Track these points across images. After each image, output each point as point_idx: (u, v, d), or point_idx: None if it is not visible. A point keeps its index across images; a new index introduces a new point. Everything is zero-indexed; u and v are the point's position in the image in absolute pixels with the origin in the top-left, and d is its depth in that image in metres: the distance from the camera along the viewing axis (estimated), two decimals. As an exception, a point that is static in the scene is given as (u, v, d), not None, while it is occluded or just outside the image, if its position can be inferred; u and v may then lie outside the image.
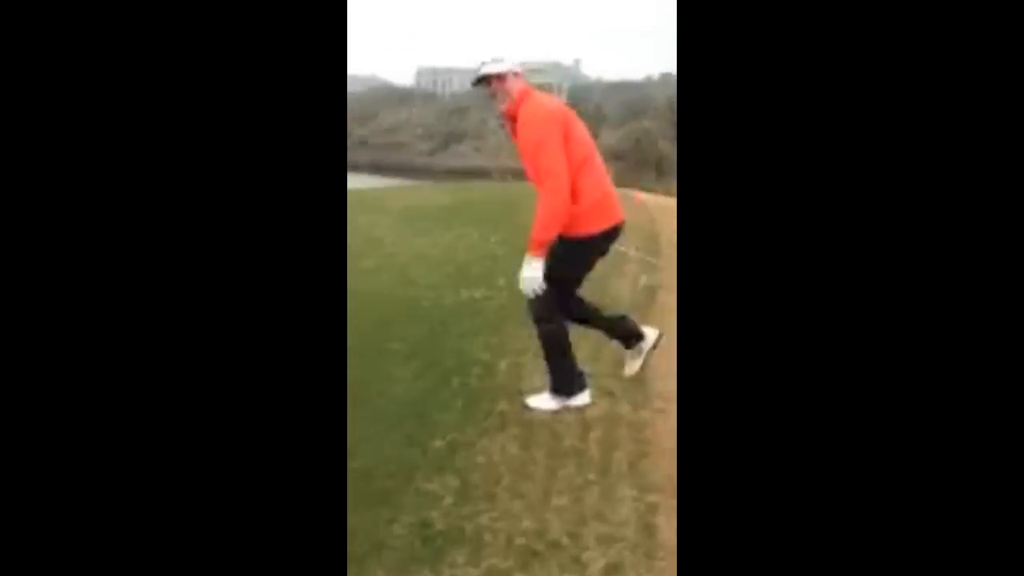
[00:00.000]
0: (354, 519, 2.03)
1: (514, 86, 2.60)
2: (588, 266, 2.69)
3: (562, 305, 2.66)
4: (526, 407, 2.68)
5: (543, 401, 2.70)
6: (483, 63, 2.62)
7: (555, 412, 2.65)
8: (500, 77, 2.58)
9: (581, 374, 2.74)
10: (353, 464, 2.35)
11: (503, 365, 3.14)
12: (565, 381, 2.68)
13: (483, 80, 2.62)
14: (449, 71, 63.47)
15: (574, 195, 2.51)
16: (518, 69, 2.62)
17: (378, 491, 2.18)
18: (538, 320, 2.65)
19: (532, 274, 2.51)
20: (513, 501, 2.08)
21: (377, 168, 33.70)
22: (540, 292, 2.53)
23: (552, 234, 2.49)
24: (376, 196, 9.54)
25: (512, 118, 2.61)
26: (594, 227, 2.58)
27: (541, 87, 2.89)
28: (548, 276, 2.55)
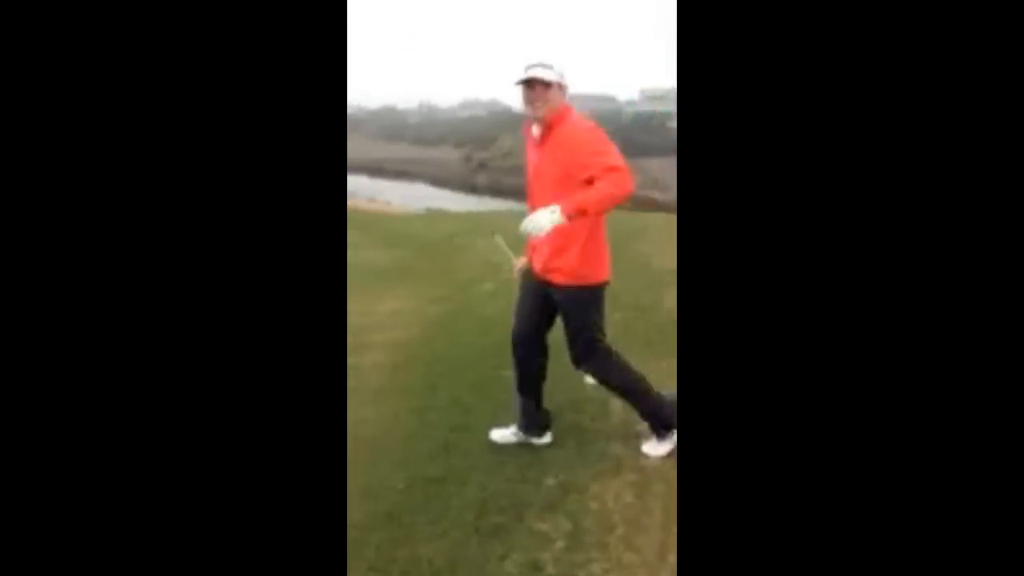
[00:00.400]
0: (465, 551, 2.03)
1: (558, 97, 2.52)
2: (603, 313, 2.68)
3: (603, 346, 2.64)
4: (643, 455, 2.61)
5: (655, 448, 2.62)
6: (532, 65, 2.51)
7: (670, 456, 2.57)
8: (547, 84, 2.48)
9: (669, 401, 2.66)
10: (465, 493, 2.36)
11: (616, 405, 3.08)
12: (659, 416, 2.64)
13: (529, 82, 2.50)
14: (571, 98, 63.68)
15: (600, 238, 2.58)
16: (565, 82, 2.55)
17: (490, 525, 2.17)
18: (595, 366, 2.63)
19: (546, 223, 2.30)
20: (627, 553, 2.01)
21: (496, 190, 34.38)
22: (542, 236, 2.39)
23: (600, 212, 2.42)
24: (495, 220, 9.69)
25: (549, 126, 2.52)
26: (606, 273, 2.64)
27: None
28: (580, 326, 2.57)
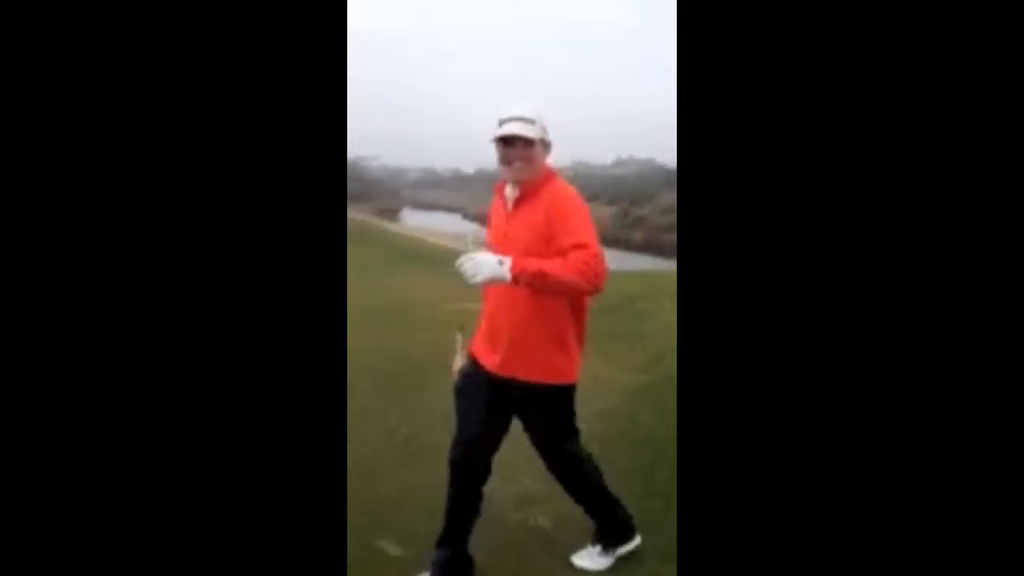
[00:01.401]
0: None
1: (540, 157, 2.11)
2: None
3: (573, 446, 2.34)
4: (571, 567, 2.46)
5: (593, 559, 2.46)
6: (511, 118, 2.06)
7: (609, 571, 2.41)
8: (529, 142, 2.07)
9: (627, 515, 2.44)
10: None
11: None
12: (613, 527, 2.41)
13: (507, 140, 2.07)
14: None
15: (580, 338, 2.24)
16: (549, 139, 2.14)
17: None
18: (564, 463, 2.33)
19: (486, 271, 1.88)
20: None
21: (654, 247, 33.93)
22: (476, 283, 1.92)
23: (556, 289, 1.95)
24: (654, 280, 9.30)
25: (528, 191, 2.10)
26: (576, 373, 2.27)
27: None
28: (550, 431, 2.25)
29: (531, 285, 1.88)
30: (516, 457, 3.61)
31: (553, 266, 1.87)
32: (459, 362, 2.34)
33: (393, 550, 2.55)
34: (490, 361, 2.20)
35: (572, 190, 2.12)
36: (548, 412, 2.24)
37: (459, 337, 2.38)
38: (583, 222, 2.00)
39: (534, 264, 1.87)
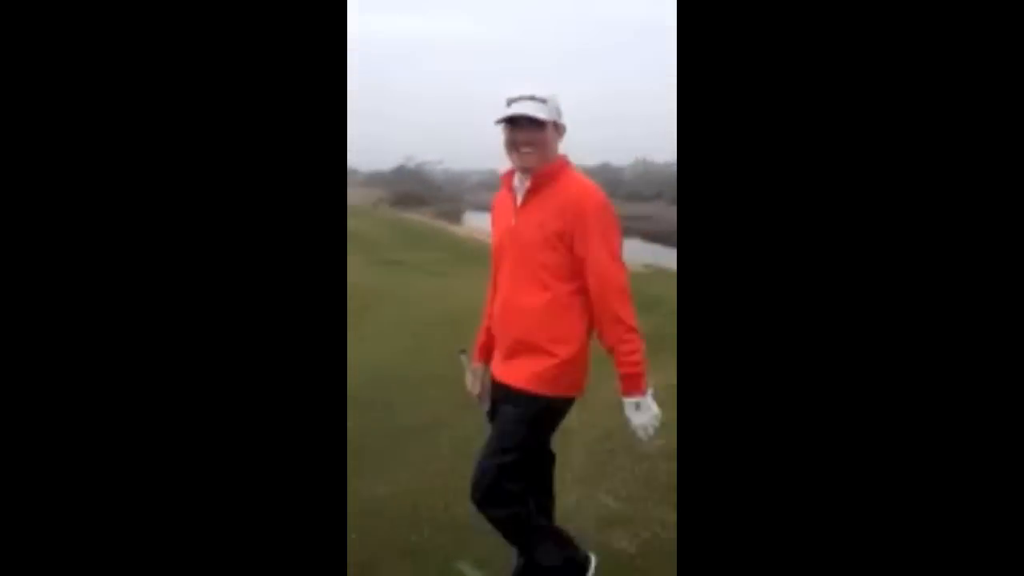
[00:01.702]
0: None
1: (552, 143, 1.90)
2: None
3: (531, 478, 2.02)
4: None
5: None
6: (519, 98, 1.85)
7: None
8: (539, 124, 1.85)
9: (584, 555, 2.11)
10: None
11: None
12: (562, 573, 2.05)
13: (514, 121, 1.85)
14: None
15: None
16: (563, 122, 1.93)
17: None
18: (497, 503, 1.95)
19: (649, 416, 1.92)
20: None
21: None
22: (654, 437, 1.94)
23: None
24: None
25: (538, 182, 1.90)
26: (582, 385, 2.04)
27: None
28: (517, 444, 1.94)
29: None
30: (596, 475, 3.45)
31: (632, 360, 1.89)
32: (472, 384, 2.19)
33: (473, 573, 2.43)
34: (496, 372, 2.09)
35: (593, 185, 1.93)
36: (536, 421, 2.02)
37: (463, 358, 2.25)
38: (609, 235, 1.87)
39: (635, 378, 1.89)
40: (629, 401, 1.92)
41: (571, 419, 2.18)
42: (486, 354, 2.18)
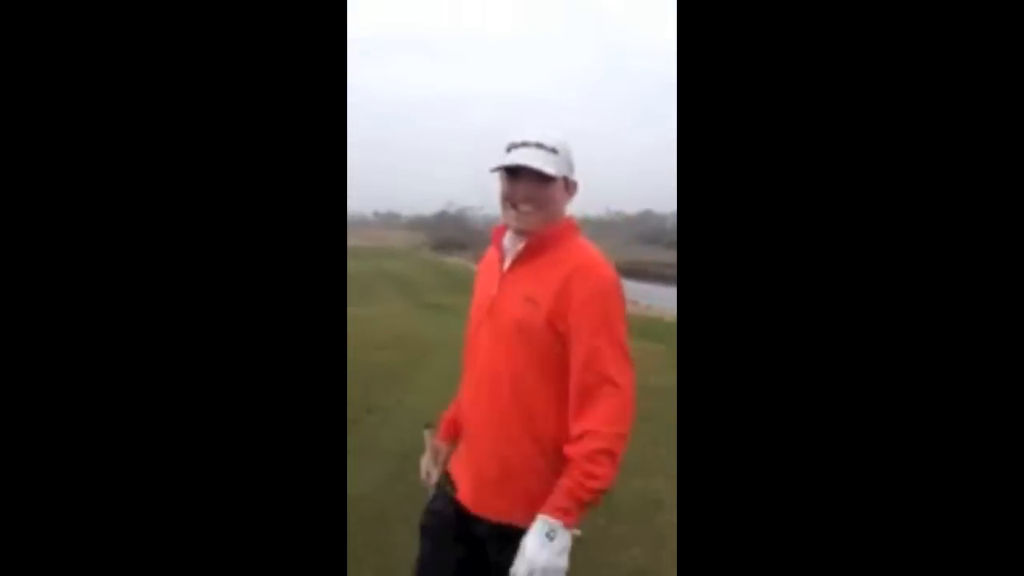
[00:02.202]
0: None
1: (560, 201, 1.48)
2: None
3: None
4: None
5: None
6: (524, 143, 1.43)
7: None
8: (547, 179, 1.43)
9: None
10: None
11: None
12: None
13: (515, 171, 1.44)
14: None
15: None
16: (574, 179, 1.51)
17: None
18: None
19: (556, 561, 1.28)
20: None
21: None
22: None
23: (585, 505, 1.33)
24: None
25: (537, 246, 1.46)
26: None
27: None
28: None
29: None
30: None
31: (596, 470, 1.31)
32: (428, 465, 1.74)
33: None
34: (463, 491, 1.53)
35: (605, 263, 1.46)
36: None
37: (426, 434, 1.79)
38: (616, 325, 1.40)
39: (587, 499, 1.31)
40: (543, 524, 1.30)
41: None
42: (453, 431, 1.70)
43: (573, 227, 1.52)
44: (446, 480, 1.62)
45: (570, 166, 1.51)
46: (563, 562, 1.30)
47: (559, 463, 1.39)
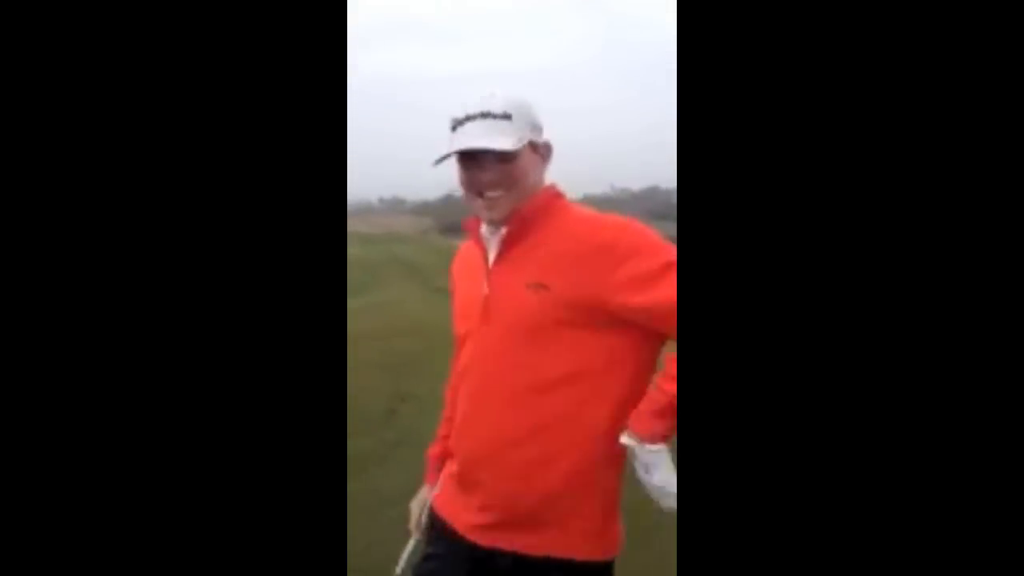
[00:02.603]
0: None
1: (533, 172, 1.22)
2: None
3: None
4: None
5: None
6: (465, 117, 1.18)
7: None
8: (507, 157, 1.17)
9: None
10: None
11: None
12: None
13: (469, 157, 1.19)
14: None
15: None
16: (543, 139, 1.24)
17: None
18: None
19: (668, 476, 1.12)
20: None
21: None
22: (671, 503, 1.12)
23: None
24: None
25: (524, 222, 1.20)
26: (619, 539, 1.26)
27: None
28: None
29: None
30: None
31: (668, 391, 1.11)
32: (417, 512, 1.44)
33: None
34: (465, 521, 1.26)
35: (586, 212, 1.24)
36: None
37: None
38: (654, 240, 1.16)
39: (659, 412, 1.11)
40: (656, 453, 1.14)
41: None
42: (439, 466, 1.43)
43: (557, 193, 1.26)
44: (436, 520, 1.34)
45: (533, 126, 1.21)
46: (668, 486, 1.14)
47: (601, 475, 1.19)
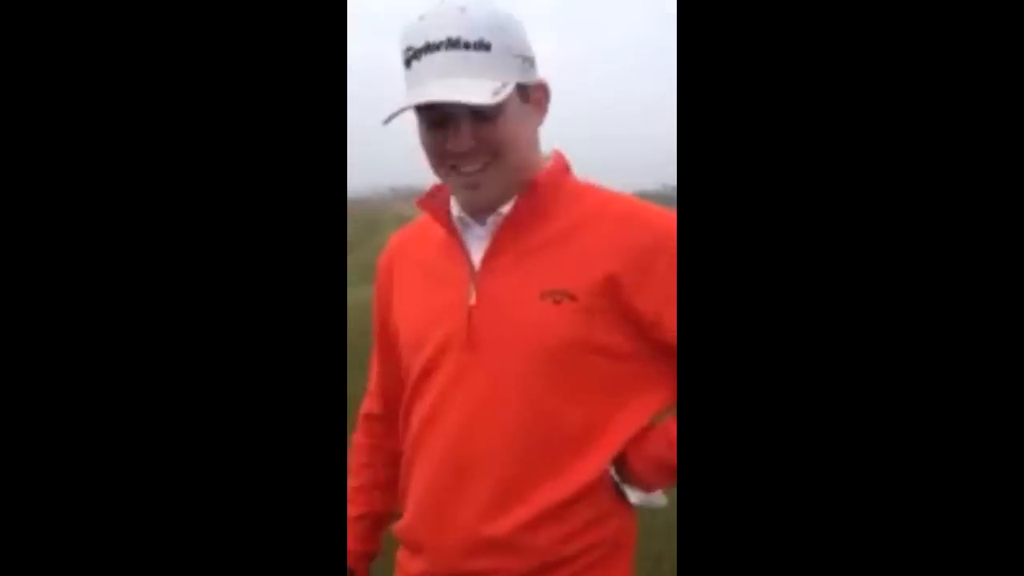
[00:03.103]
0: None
1: (530, 126, 0.92)
2: None
3: None
4: None
5: None
6: (427, 45, 0.84)
7: None
8: (489, 115, 0.84)
9: None
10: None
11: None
12: None
13: (436, 113, 0.87)
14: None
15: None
16: (537, 79, 0.90)
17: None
18: None
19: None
20: None
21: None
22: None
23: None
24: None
25: (531, 202, 0.89)
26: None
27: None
28: None
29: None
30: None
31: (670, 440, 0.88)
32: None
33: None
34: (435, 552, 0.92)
35: (644, 205, 0.97)
36: None
37: None
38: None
39: (664, 455, 0.87)
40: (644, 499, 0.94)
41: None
42: (372, 536, 1.10)
43: (567, 164, 0.95)
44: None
45: (523, 57, 0.86)
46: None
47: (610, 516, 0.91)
